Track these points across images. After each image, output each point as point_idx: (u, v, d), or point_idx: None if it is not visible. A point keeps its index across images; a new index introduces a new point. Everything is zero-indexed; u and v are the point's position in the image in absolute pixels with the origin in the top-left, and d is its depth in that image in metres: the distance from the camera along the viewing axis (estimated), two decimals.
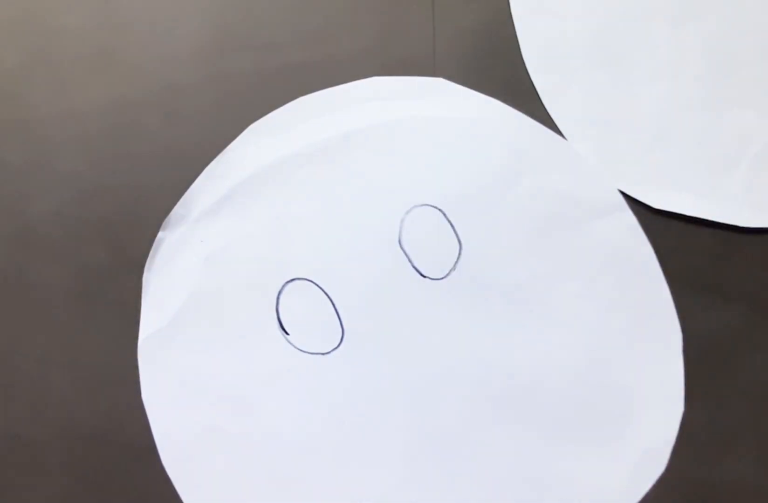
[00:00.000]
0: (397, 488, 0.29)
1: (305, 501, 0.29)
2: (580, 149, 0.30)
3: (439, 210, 0.30)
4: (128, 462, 0.30)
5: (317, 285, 0.30)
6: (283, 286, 0.30)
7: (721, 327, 0.30)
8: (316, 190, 0.30)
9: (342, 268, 0.30)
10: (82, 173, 0.31)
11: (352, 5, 0.31)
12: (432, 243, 0.30)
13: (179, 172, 0.31)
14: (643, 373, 0.29)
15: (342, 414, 0.29)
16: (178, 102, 0.31)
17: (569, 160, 0.30)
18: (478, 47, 0.31)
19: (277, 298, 0.30)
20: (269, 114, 0.31)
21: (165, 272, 0.30)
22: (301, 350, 0.30)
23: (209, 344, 0.30)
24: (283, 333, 0.30)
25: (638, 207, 0.30)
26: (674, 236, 0.30)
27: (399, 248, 0.30)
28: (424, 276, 0.29)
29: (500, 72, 0.31)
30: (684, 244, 0.30)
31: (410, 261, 0.30)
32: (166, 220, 0.30)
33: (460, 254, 0.29)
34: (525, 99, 0.30)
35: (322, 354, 0.29)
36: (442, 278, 0.29)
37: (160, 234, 0.30)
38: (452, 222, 0.30)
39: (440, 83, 0.30)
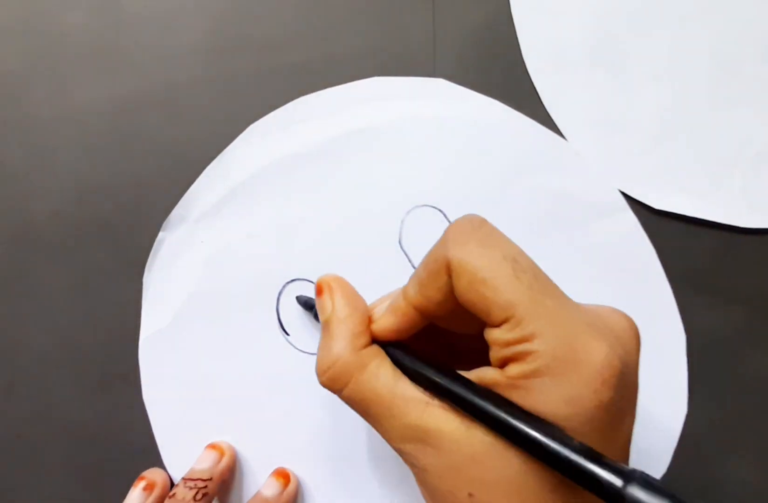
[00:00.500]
0: (397, 486, 0.29)
1: (306, 500, 0.29)
2: (580, 149, 0.30)
3: (439, 210, 0.30)
4: (128, 462, 0.30)
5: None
6: (284, 287, 0.30)
7: (722, 327, 0.30)
8: (316, 190, 0.30)
9: (342, 269, 0.30)
10: (82, 173, 0.31)
11: (352, 5, 0.31)
12: (432, 243, 0.29)
13: (179, 172, 0.31)
14: (647, 373, 0.29)
15: (342, 414, 0.29)
16: (178, 102, 0.31)
17: (569, 160, 0.30)
18: (478, 47, 0.31)
19: (278, 299, 0.30)
20: (269, 114, 0.31)
21: (165, 272, 0.30)
22: (301, 350, 0.30)
23: (209, 344, 0.30)
24: (284, 333, 0.30)
25: (639, 207, 0.30)
26: (674, 236, 0.30)
27: (399, 248, 0.30)
28: None
29: (500, 72, 0.31)
30: (684, 244, 0.30)
31: (410, 261, 0.30)
32: (167, 220, 0.30)
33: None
34: (525, 99, 0.30)
35: None
36: None
37: (160, 234, 0.30)
38: (452, 222, 0.30)
39: (440, 83, 0.30)
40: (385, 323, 0.21)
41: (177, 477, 0.30)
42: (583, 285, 0.29)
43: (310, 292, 0.30)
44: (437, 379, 0.19)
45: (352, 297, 0.22)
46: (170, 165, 0.31)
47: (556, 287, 0.19)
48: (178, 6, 0.31)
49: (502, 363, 0.18)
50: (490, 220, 0.29)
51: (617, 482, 0.16)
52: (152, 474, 0.29)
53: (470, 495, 0.18)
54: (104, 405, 0.30)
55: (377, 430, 0.21)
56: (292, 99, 0.31)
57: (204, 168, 0.31)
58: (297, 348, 0.30)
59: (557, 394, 0.17)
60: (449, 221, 0.30)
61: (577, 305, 0.19)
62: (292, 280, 0.30)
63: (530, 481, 0.18)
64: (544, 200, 0.30)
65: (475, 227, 0.20)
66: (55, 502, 0.31)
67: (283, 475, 0.29)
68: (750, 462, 0.29)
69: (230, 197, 0.30)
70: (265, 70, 0.31)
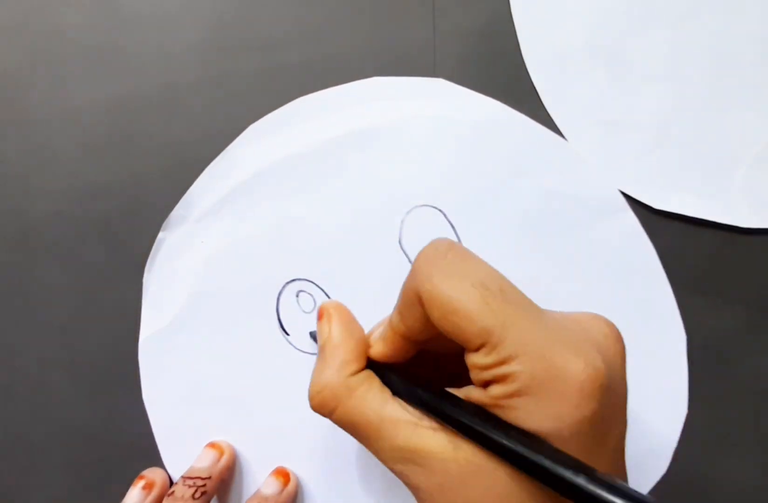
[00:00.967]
0: (397, 486, 0.29)
1: (305, 500, 0.29)
2: (580, 149, 0.30)
3: (439, 210, 0.30)
4: (128, 462, 0.30)
5: (317, 285, 0.30)
6: (284, 287, 0.30)
7: (722, 328, 0.30)
8: (317, 190, 0.30)
9: (342, 269, 0.30)
10: (81, 173, 0.31)
11: (352, 5, 0.31)
12: None
13: (179, 172, 0.31)
14: (647, 374, 0.29)
15: None
16: (178, 102, 0.31)
17: (569, 161, 0.30)
18: (479, 47, 0.31)
19: (278, 299, 0.30)
20: (269, 114, 0.31)
21: (165, 272, 0.30)
22: (301, 350, 0.30)
23: (209, 344, 0.30)
24: (284, 333, 0.30)
25: (639, 207, 0.30)
26: (674, 236, 0.30)
27: (399, 248, 0.30)
28: None
29: (500, 72, 0.31)
30: (684, 244, 0.30)
31: (410, 261, 0.30)
32: (167, 220, 0.30)
33: None
34: (525, 99, 0.30)
35: None
36: None
37: (160, 234, 0.30)
38: (452, 222, 0.30)
39: (440, 83, 0.30)
40: (378, 349, 0.22)
41: (177, 477, 0.30)
42: (583, 285, 0.29)
43: (310, 292, 0.30)
44: (426, 398, 0.20)
45: (349, 324, 0.23)
46: (170, 165, 0.31)
47: (529, 304, 0.19)
48: (178, 6, 0.31)
49: (484, 385, 0.19)
50: (490, 219, 0.30)
51: (608, 497, 0.16)
52: (152, 473, 0.29)
53: None
54: (104, 405, 0.31)
55: (370, 451, 0.21)
56: (292, 99, 0.31)
57: (204, 168, 0.31)
58: (297, 348, 0.30)
59: (540, 412, 0.18)
60: (449, 221, 0.30)
61: (553, 319, 0.19)
62: (292, 280, 0.30)
63: (518, 498, 0.18)
64: (544, 200, 0.30)
65: (441, 254, 0.20)
66: (55, 502, 0.31)
67: (282, 474, 0.29)
68: (750, 462, 0.29)
69: (230, 197, 0.30)
70: (265, 70, 0.31)
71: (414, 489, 0.20)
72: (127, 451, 0.30)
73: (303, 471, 0.29)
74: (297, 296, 0.30)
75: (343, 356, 0.22)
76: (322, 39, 0.31)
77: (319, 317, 0.24)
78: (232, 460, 0.29)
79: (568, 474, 0.16)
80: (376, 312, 0.29)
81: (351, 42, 0.31)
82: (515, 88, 0.30)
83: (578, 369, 0.18)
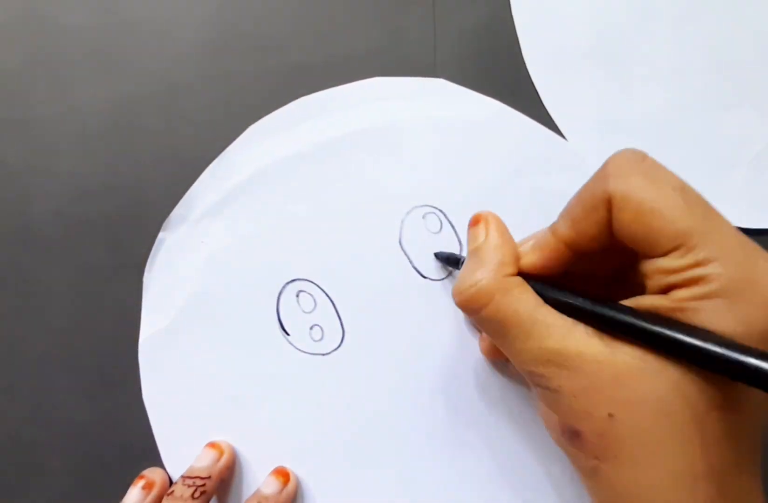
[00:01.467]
0: (397, 486, 0.29)
1: (305, 499, 0.29)
2: (580, 149, 0.30)
3: (440, 210, 0.30)
4: (128, 462, 0.30)
5: (318, 285, 0.30)
6: (284, 287, 0.30)
7: None
8: (317, 190, 0.30)
9: (342, 269, 0.30)
10: (82, 173, 0.31)
11: (353, 5, 0.31)
12: (432, 243, 0.30)
13: (179, 172, 0.31)
14: None
15: (342, 414, 0.29)
16: (179, 102, 0.31)
17: (569, 160, 0.30)
18: (479, 47, 0.31)
19: (278, 299, 0.30)
20: (269, 114, 0.31)
21: (166, 272, 0.30)
22: (301, 350, 0.30)
23: (210, 344, 0.30)
24: (284, 333, 0.30)
25: None
26: None
27: (400, 248, 0.30)
28: (425, 277, 0.29)
29: (501, 72, 0.31)
30: None
31: (411, 261, 0.30)
32: (167, 220, 0.30)
33: (460, 254, 0.29)
34: (525, 99, 0.30)
35: (323, 354, 0.29)
36: (442, 279, 0.29)
37: (160, 234, 0.30)
38: (452, 222, 0.30)
39: (441, 84, 0.30)
40: (532, 258, 0.22)
41: (177, 477, 0.30)
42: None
43: (310, 292, 0.30)
44: (584, 304, 0.20)
45: (505, 232, 0.23)
46: (170, 165, 0.31)
47: (727, 220, 0.19)
48: (178, 6, 0.31)
49: (666, 290, 0.19)
50: None
51: None
52: (151, 473, 0.29)
53: (610, 415, 0.19)
54: (104, 405, 0.30)
55: (507, 352, 0.21)
56: (292, 99, 0.31)
57: (204, 168, 0.31)
58: (297, 348, 0.30)
59: (731, 315, 0.18)
60: (449, 221, 0.30)
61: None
62: (292, 280, 0.30)
63: (684, 400, 0.18)
64: (544, 200, 0.30)
65: (638, 160, 0.20)
66: (55, 502, 0.31)
67: (282, 474, 0.29)
68: None
69: (230, 197, 0.30)
70: (265, 70, 0.31)
71: (552, 391, 0.20)
72: (127, 451, 0.30)
73: (303, 471, 0.29)
74: (297, 296, 0.30)
75: (501, 258, 0.22)
76: (322, 39, 0.31)
77: (474, 222, 0.24)
78: (232, 460, 0.29)
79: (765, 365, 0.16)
80: (376, 312, 0.30)
81: (351, 42, 0.31)
82: (515, 88, 0.30)
83: None
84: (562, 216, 0.22)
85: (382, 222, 0.30)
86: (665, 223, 0.18)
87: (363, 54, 0.31)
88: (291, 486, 0.29)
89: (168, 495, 0.27)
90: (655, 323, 0.18)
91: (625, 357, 0.19)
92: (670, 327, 0.18)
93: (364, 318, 0.29)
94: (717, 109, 0.30)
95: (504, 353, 0.22)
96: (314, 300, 0.30)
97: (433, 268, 0.29)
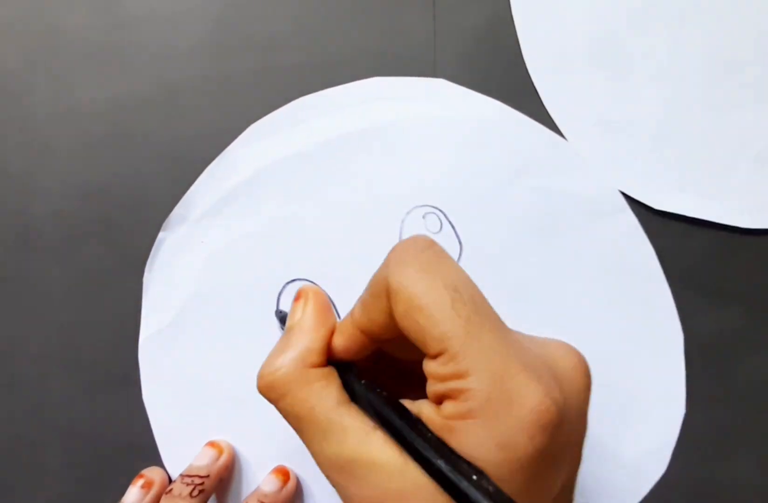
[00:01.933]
0: None
1: (305, 499, 0.29)
2: (580, 149, 0.30)
3: (440, 210, 0.30)
4: (128, 461, 0.30)
5: (318, 285, 0.30)
6: (284, 287, 0.30)
7: (721, 328, 0.30)
8: (317, 190, 0.30)
9: (342, 269, 0.30)
10: (82, 173, 0.31)
11: (352, 5, 0.31)
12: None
13: (179, 172, 0.31)
14: (645, 374, 0.29)
15: None
16: (178, 102, 0.31)
17: (569, 160, 0.30)
18: (479, 47, 0.31)
19: (278, 299, 0.30)
20: (269, 114, 0.31)
21: (165, 272, 0.30)
22: None
23: (210, 344, 0.30)
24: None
25: (638, 207, 0.30)
26: (674, 236, 0.30)
27: None
28: None
29: (501, 72, 0.31)
30: (684, 244, 0.30)
31: None
32: (167, 220, 0.30)
33: (460, 254, 0.29)
34: (525, 99, 0.30)
35: None
36: None
37: (160, 234, 0.30)
38: (452, 222, 0.30)
39: (441, 84, 0.30)
40: (334, 342, 0.21)
41: (176, 477, 0.30)
42: (581, 285, 0.29)
43: None
44: (381, 410, 0.19)
45: (324, 313, 0.21)
46: (170, 165, 0.31)
47: (497, 320, 0.18)
48: (178, 6, 0.31)
49: (439, 399, 0.18)
50: (490, 219, 0.30)
51: None
52: (151, 472, 0.29)
53: None
54: (104, 405, 0.31)
55: (308, 449, 0.20)
56: (292, 99, 0.31)
57: (204, 168, 0.31)
58: None
59: (491, 439, 0.16)
60: (449, 221, 0.30)
61: (518, 340, 0.18)
62: (292, 280, 0.30)
63: None
64: (544, 200, 0.30)
65: (419, 249, 0.19)
66: (55, 502, 0.31)
67: (282, 473, 0.29)
68: (749, 462, 0.30)
69: (230, 197, 0.30)
70: (265, 70, 0.31)
71: (346, 499, 0.19)
72: (127, 451, 0.30)
73: (303, 470, 0.29)
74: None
75: (309, 343, 0.20)
76: (321, 39, 0.31)
77: (296, 298, 0.22)
78: (231, 459, 0.29)
79: None
80: None
81: (351, 42, 0.31)
82: (515, 88, 0.30)
83: (537, 397, 0.16)
84: (358, 299, 0.20)
85: (382, 222, 0.30)
86: (430, 323, 0.17)
87: (363, 54, 0.31)
88: (291, 485, 0.29)
89: (166, 493, 0.27)
90: (427, 447, 0.17)
91: (415, 472, 0.17)
92: (433, 452, 0.17)
93: None
94: (717, 109, 0.30)
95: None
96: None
97: None
